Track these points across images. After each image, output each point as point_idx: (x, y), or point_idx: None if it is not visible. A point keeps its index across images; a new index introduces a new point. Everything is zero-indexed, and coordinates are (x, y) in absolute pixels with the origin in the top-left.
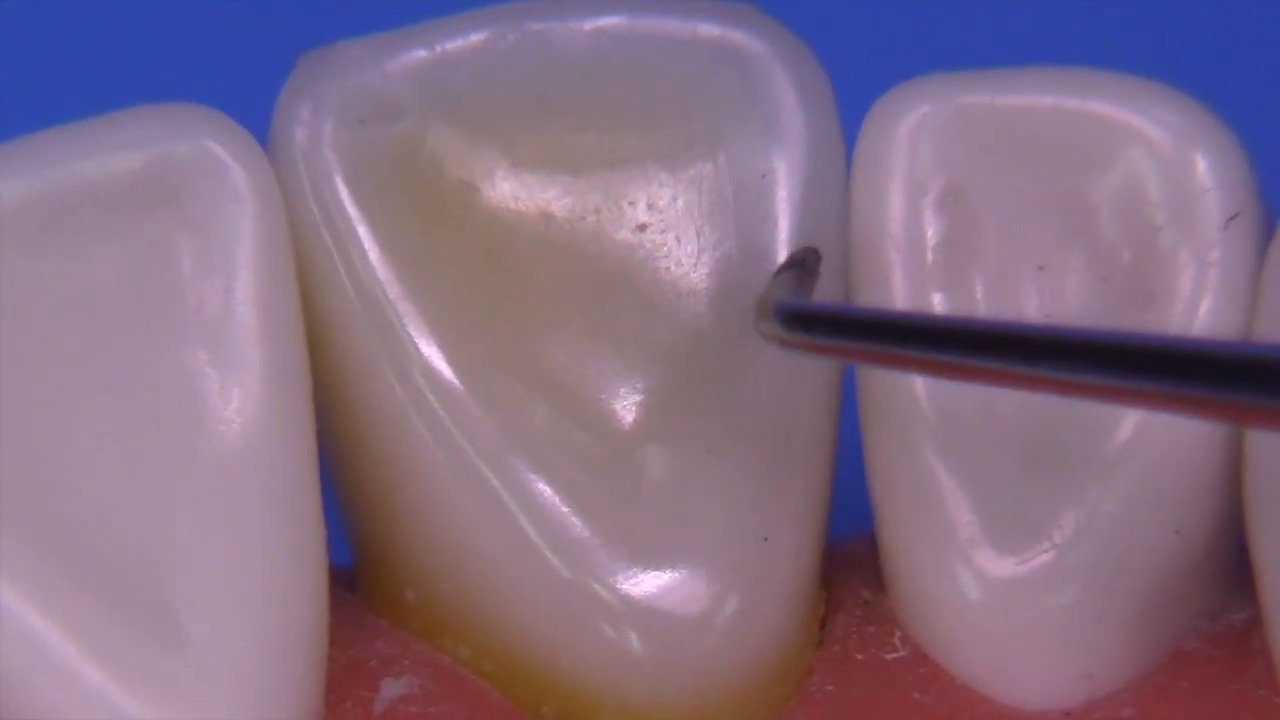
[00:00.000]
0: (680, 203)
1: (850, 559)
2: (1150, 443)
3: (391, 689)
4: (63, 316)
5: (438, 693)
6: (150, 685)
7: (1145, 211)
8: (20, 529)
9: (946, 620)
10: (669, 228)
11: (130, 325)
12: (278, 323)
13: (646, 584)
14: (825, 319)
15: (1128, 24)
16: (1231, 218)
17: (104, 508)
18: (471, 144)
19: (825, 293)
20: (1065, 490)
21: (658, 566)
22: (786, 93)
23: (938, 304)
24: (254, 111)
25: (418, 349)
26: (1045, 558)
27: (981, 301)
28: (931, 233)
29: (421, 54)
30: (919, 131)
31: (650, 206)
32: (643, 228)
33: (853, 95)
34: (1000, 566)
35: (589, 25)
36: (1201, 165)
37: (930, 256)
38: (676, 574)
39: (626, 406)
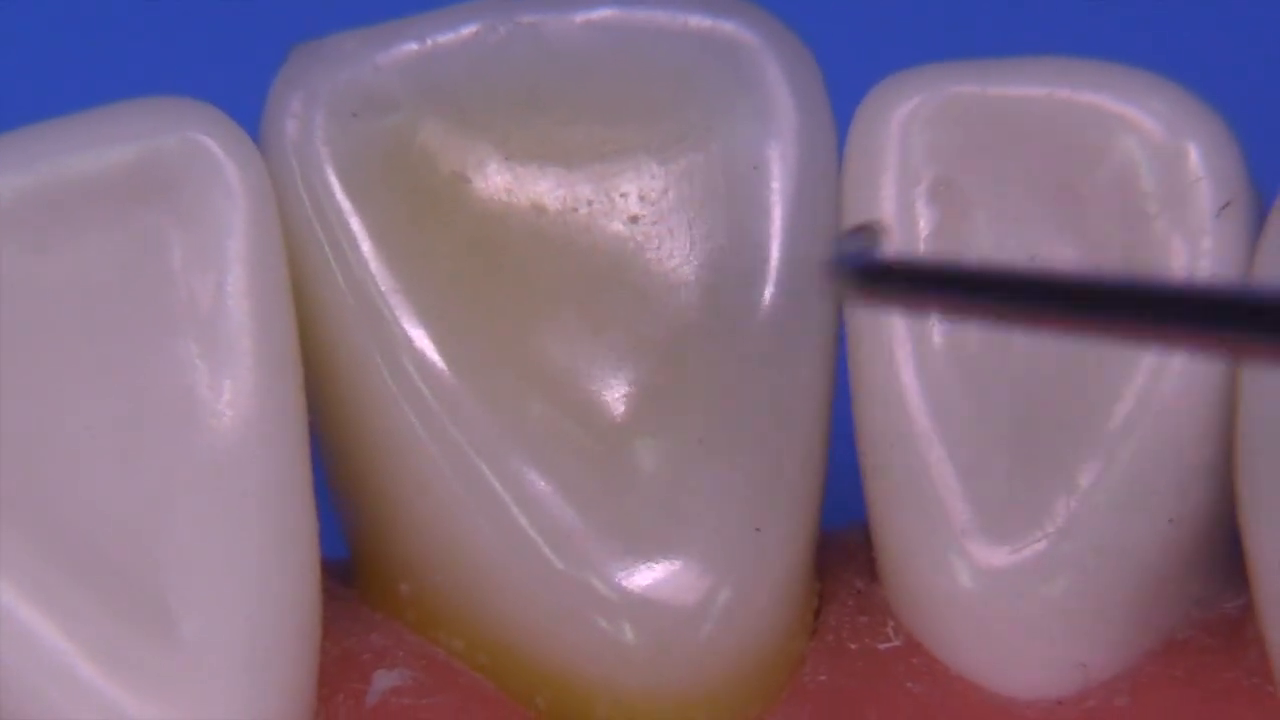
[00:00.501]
0: (672, 195)
1: (843, 549)
2: (1143, 432)
3: (384, 681)
4: (54, 310)
5: (431, 685)
6: (142, 679)
7: (1137, 201)
8: (12, 523)
9: (940, 610)
10: (661, 220)
11: (121, 318)
12: (269, 315)
13: (640, 575)
14: (903, 272)
15: (1119, 14)
16: (1223, 207)
17: (96, 501)
18: (463, 137)
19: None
20: (1058, 480)
21: (651, 558)
22: (778, 84)
23: None
24: (246, 104)
25: (410, 341)
26: (1038, 547)
27: None
28: (924, 223)
29: (413, 47)
30: (911, 122)
31: (642, 198)
32: (635, 220)
33: (845, 86)
34: (993, 556)
35: (580, 18)
36: (1193, 155)
37: (922, 246)
38: (670, 565)
39: (619, 398)
